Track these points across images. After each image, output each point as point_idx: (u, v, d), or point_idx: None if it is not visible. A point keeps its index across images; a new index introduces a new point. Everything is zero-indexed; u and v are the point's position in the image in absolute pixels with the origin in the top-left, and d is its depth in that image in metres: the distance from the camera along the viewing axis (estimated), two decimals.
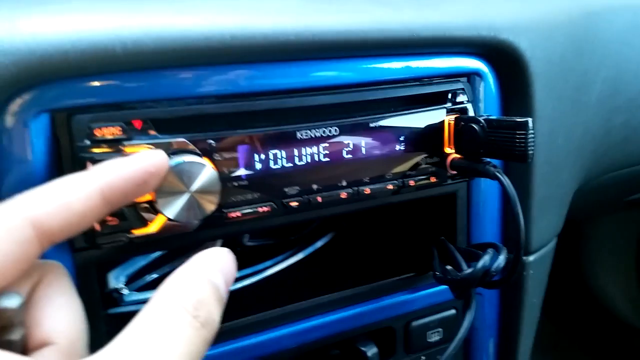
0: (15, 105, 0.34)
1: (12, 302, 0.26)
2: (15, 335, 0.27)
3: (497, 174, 0.43)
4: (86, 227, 0.29)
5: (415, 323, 0.54)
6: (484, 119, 0.44)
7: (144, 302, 0.44)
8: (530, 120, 0.41)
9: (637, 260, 1.39)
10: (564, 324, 1.48)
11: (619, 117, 0.63)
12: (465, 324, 0.46)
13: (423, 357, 0.56)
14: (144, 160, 0.32)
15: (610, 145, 0.65)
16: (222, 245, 0.56)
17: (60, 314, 0.29)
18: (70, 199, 0.28)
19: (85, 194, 0.28)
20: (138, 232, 0.37)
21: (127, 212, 0.36)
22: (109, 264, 0.47)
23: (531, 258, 0.56)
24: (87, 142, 0.35)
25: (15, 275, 0.26)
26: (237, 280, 0.53)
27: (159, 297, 0.27)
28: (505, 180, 0.43)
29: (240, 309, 0.48)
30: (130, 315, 0.28)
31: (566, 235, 1.31)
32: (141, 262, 0.49)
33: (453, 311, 0.56)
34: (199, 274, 0.28)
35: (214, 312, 0.28)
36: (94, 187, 0.29)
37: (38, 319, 0.28)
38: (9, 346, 0.26)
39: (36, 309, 0.28)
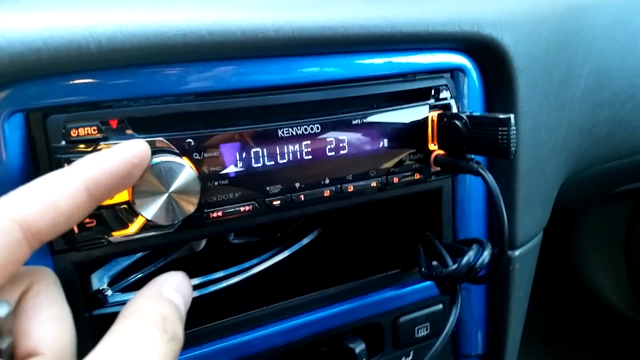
0: None
1: (0, 310, 0.26)
2: (3, 344, 0.26)
3: (480, 170, 0.43)
4: (73, 224, 0.29)
5: (402, 319, 0.54)
6: (466, 116, 0.44)
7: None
8: (512, 116, 0.41)
9: (626, 250, 1.40)
10: (554, 315, 1.49)
11: (603, 112, 0.63)
12: (452, 319, 0.46)
13: (411, 352, 0.56)
14: (126, 152, 0.31)
15: (596, 139, 0.65)
16: (207, 244, 0.56)
17: (49, 324, 0.28)
18: (56, 197, 0.27)
19: (71, 191, 0.28)
20: (117, 233, 0.37)
21: (106, 214, 0.36)
22: (91, 265, 0.46)
23: (517, 252, 0.56)
24: (63, 143, 0.34)
25: (4, 279, 0.26)
26: (224, 278, 0.52)
27: (128, 315, 0.28)
28: (488, 177, 0.43)
29: (227, 307, 0.48)
30: (114, 316, 0.28)
31: (556, 227, 1.32)
32: (124, 262, 0.49)
33: (440, 306, 0.56)
34: (160, 295, 0.31)
35: (178, 329, 0.29)
36: (79, 183, 0.28)
37: (26, 328, 0.27)
38: None
39: (25, 318, 0.28)
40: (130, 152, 0.31)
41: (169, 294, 0.31)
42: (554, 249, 1.41)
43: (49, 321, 0.28)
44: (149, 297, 0.30)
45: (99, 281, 0.47)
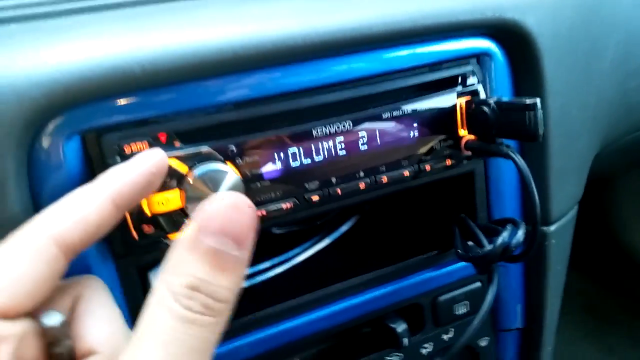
0: (49, 129, 0.36)
1: (53, 320, 0.29)
2: (61, 349, 0.29)
3: (510, 153, 0.45)
4: (103, 234, 0.31)
5: (441, 298, 0.56)
6: (494, 101, 0.45)
7: None
8: (538, 100, 0.42)
9: None
10: (599, 281, 1.48)
11: (633, 80, 0.63)
12: (489, 298, 0.48)
13: (452, 329, 0.58)
14: (144, 163, 0.34)
15: (627, 109, 0.65)
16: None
17: (101, 325, 0.31)
18: (86, 211, 0.30)
19: (98, 204, 0.31)
20: (173, 236, 0.40)
21: (162, 220, 0.39)
22: (150, 266, 0.50)
23: (552, 228, 0.57)
24: (118, 159, 0.37)
25: (49, 291, 0.29)
26: (269, 268, 0.55)
27: (153, 294, 0.26)
28: (518, 159, 0.44)
29: (273, 296, 0.50)
30: None
31: (594, 194, 1.30)
32: None
33: (478, 284, 0.57)
34: (188, 248, 0.26)
35: (216, 293, 0.25)
36: (105, 196, 0.31)
37: (82, 331, 0.31)
38: (58, 359, 0.29)
39: (79, 322, 0.31)
40: (148, 162, 0.34)
41: (207, 240, 0.26)
42: (593, 215, 1.39)
43: (100, 322, 0.31)
44: (175, 257, 0.26)
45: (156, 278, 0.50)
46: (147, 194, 0.35)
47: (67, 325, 0.30)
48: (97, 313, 0.31)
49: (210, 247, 0.25)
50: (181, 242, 0.26)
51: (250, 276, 0.54)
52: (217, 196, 0.28)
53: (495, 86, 0.50)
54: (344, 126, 0.44)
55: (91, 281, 0.33)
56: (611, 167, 0.96)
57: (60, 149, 0.37)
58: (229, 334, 0.47)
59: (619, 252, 1.41)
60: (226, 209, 0.26)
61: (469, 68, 0.48)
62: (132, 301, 0.42)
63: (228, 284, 0.25)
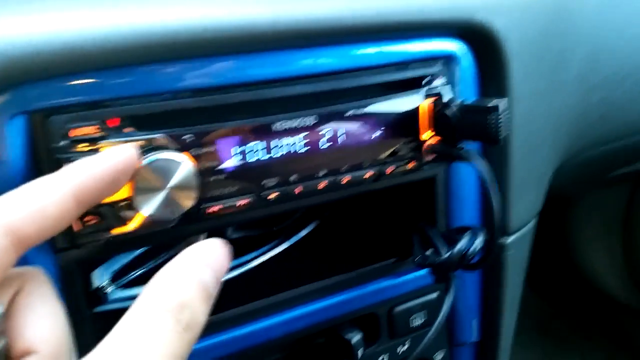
0: None
1: None
2: None
3: (472, 158, 0.44)
4: (60, 229, 0.29)
5: (398, 308, 0.55)
6: (457, 103, 0.44)
7: (129, 299, 0.45)
8: (501, 103, 0.41)
9: (624, 235, 1.41)
10: (552, 301, 1.51)
11: (596, 95, 0.64)
12: (445, 307, 0.47)
13: (407, 341, 0.57)
14: (113, 158, 0.32)
15: (590, 123, 0.66)
16: (207, 238, 0.57)
17: (42, 322, 0.28)
18: (44, 203, 0.28)
19: (59, 197, 0.28)
20: (117, 230, 0.37)
21: (106, 211, 0.36)
22: (93, 262, 0.47)
23: (510, 239, 0.57)
24: (64, 143, 0.35)
25: None
26: None
27: (142, 300, 0.27)
28: (479, 164, 0.44)
29: (225, 301, 0.48)
30: (116, 313, 0.28)
31: (552, 212, 1.32)
32: (125, 258, 0.49)
33: (435, 294, 0.56)
34: (184, 272, 0.28)
35: (199, 313, 0.27)
36: (67, 189, 0.29)
37: (20, 328, 0.28)
38: None
39: (17, 318, 0.28)
40: (117, 158, 0.32)
41: (198, 271, 0.28)
42: (551, 235, 1.42)
43: (42, 319, 0.28)
44: (171, 276, 0.28)
45: (100, 278, 0.48)
46: (112, 192, 0.32)
47: (4, 319, 0.27)
48: (39, 309, 0.29)
49: (205, 280, 0.28)
50: (182, 265, 0.29)
51: None
52: (215, 241, 0.31)
53: (462, 89, 0.50)
54: (306, 122, 0.43)
55: (34, 274, 0.30)
56: (570, 185, 0.97)
57: (2, 130, 0.34)
58: None
59: (575, 274, 1.44)
60: (224, 253, 0.31)
61: (435, 69, 0.48)
62: (71, 299, 0.39)
63: (205, 311, 0.28)
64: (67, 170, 0.30)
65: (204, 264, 0.29)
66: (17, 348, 0.27)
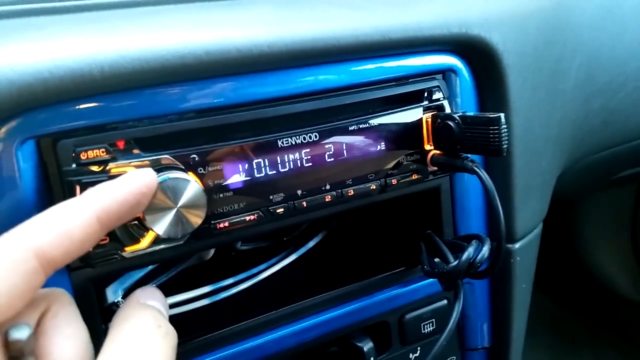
0: (1, 133, 0.35)
1: (21, 333, 0.28)
2: None
3: (475, 168, 0.45)
4: (85, 251, 0.30)
5: (408, 316, 0.55)
6: (459, 116, 0.45)
7: None
8: (502, 115, 0.42)
9: (632, 234, 1.40)
10: (562, 302, 1.50)
11: (596, 101, 0.64)
12: (455, 314, 0.47)
13: (419, 348, 0.58)
14: (136, 182, 0.33)
15: (590, 129, 0.66)
16: (216, 251, 0.58)
17: (68, 342, 0.30)
18: (70, 226, 0.29)
19: (83, 220, 0.29)
20: (130, 249, 0.38)
21: (119, 231, 0.37)
22: (105, 279, 0.48)
23: (517, 245, 0.57)
24: (74, 166, 0.36)
25: (23, 305, 0.28)
26: (233, 285, 0.54)
27: (121, 322, 0.31)
28: (483, 174, 0.44)
29: (237, 313, 0.49)
30: None
31: (559, 214, 1.32)
32: (137, 275, 0.50)
33: (445, 301, 0.57)
34: (140, 303, 0.34)
35: (169, 325, 0.32)
36: (91, 212, 0.30)
37: (47, 348, 0.29)
38: None
39: (45, 338, 0.29)
40: (139, 182, 0.33)
41: (148, 302, 0.34)
42: (559, 236, 1.41)
43: (68, 339, 0.30)
44: (133, 306, 0.33)
45: (114, 294, 0.48)
46: (134, 214, 0.34)
47: (33, 340, 0.29)
48: (65, 330, 0.30)
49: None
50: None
51: (212, 293, 0.52)
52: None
53: (461, 102, 0.51)
54: (310, 138, 0.43)
55: (60, 295, 0.32)
56: (575, 188, 0.97)
57: (12, 154, 0.35)
58: (190, 353, 0.45)
59: (584, 274, 1.44)
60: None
61: (434, 83, 0.49)
62: (86, 317, 0.40)
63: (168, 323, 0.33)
64: (90, 193, 0.31)
65: (150, 298, 0.35)
66: None
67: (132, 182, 0.33)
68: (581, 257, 1.43)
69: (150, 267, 0.51)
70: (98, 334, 0.40)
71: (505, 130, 0.42)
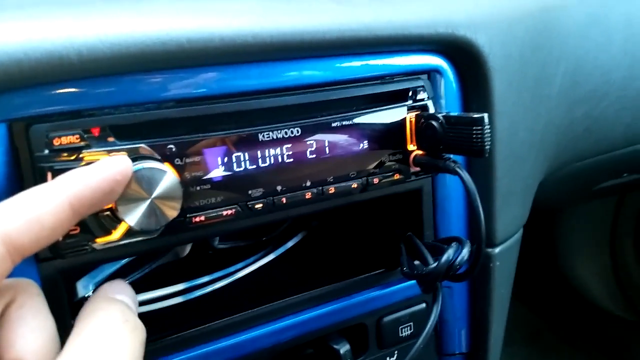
0: None
1: None
2: None
3: (457, 169, 0.44)
4: (55, 239, 0.29)
5: (386, 318, 0.55)
6: (442, 116, 0.45)
7: None
8: (485, 115, 0.42)
9: (611, 247, 1.42)
10: (542, 312, 1.51)
11: (580, 109, 0.65)
12: (432, 317, 0.47)
13: (396, 352, 0.57)
14: (110, 168, 0.32)
15: (574, 137, 0.67)
16: (192, 249, 0.56)
17: (33, 335, 0.29)
18: (40, 212, 0.28)
19: (55, 206, 0.28)
20: (101, 240, 0.37)
21: (90, 221, 0.36)
22: (76, 272, 0.47)
23: (497, 250, 0.57)
24: (46, 152, 0.34)
25: None
26: (209, 283, 0.53)
27: (88, 315, 0.30)
28: (465, 175, 0.44)
29: (213, 311, 0.48)
30: None
31: (540, 225, 1.33)
32: (109, 269, 0.49)
33: (423, 305, 0.56)
34: (109, 297, 0.33)
35: (137, 320, 0.31)
36: (63, 198, 0.29)
37: (11, 339, 0.28)
38: None
39: (8, 329, 0.28)
40: (114, 168, 0.32)
41: (116, 296, 0.33)
42: (539, 247, 1.42)
43: (33, 332, 0.29)
44: (100, 300, 0.32)
45: (84, 288, 0.47)
46: (107, 202, 0.33)
47: None
48: (30, 322, 0.29)
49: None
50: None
51: (187, 290, 0.51)
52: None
53: (445, 103, 0.51)
54: (292, 133, 0.43)
55: (27, 285, 0.30)
56: (557, 197, 0.98)
57: None
58: (161, 351, 0.44)
59: (563, 285, 1.45)
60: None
61: (419, 83, 0.48)
62: (54, 311, 0.39)
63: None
64: (63, 179, 0.30)
65: (118, 292, 0.34)
66: (6, 359, 0.27)
67: (106, 168, 0.32)
68: (560, 267, 1.44)
69: (123, 262, 0.50)
70: (66, 329, 0.38)
71: (489, 130, 0.42)
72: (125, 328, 0.30)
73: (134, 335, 0.30)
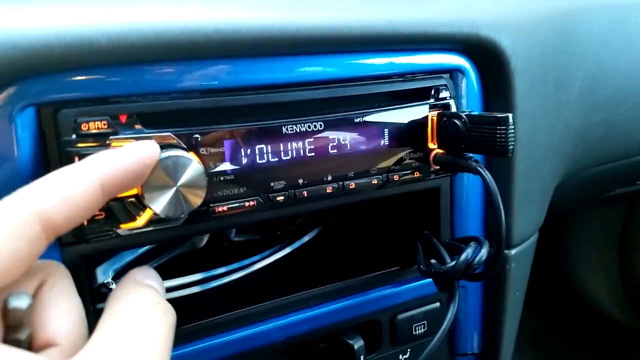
0: (0, 99, 0.34)
1: (22, 302, 0.27)
2: (22, 335, 0.27)
3: (479, 168, 0.44)
4: (87, 218, 0.30)
5: (400, 316, 0.55)
6: (465, 115, 0.45)
7: None
8: (510, 115, 0.42)
9: (619, 255, 1.41)
10: (548, 319, 1.50)
11: (598, 114, 0.64)
12: (449, 315, 0.47)
13: (409, 350, 0.57)
14: (140, 152, 0.32)
15: (591, 141, 0.67)
16: (209, 241, 0.57)
17: (64, 316, 0.29)
18: (74, 191, 0.28)
19: (87, 186, 0.29)
20: (125, 226, 0.37)
21: (115, 207, 0.36)
22: (96, 259, 0.47)
23: (513, 252, 0.57)
24: (74, 137, 0.35)
25: (23, 272, 0.27)
26: (225, 274, 0.53)
27: (119, 298, 0.30)
28: (487, 175, 0.44)
29: (228, 303, 0.48)
30: None
31: (550, 231, 1.33)
32: (128, 257, 0.49)
33: (437, 304, 0.56)
34: (138, 281, 0.33)
35: (167, 303, 0.31)
36: (95, 178, 0.29)
37: (43, 320, 0.28)
38: (17, 345, 0.27)
39: (41, 310, 0.29)
40: (143, 152, 0.32)
41: (146, 281, 0.33)
42: (548, 254, 1.41)
43: (64, 313, 0.29)
44: (130, 284, 0.32)
45: (104, 275, 0.47)
46: (135, 184, 0.33)
47: (30, 310, 0.28)
48: (61, 303, 0.29)
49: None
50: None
51: (203, 281, 0.52)
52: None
53: (466, 103, 0.51)
54: (315, 127, 0.43)
55: (57, 268, 0.31)
56: (569, 203, 0.98)
57: (11, 121, 0.34)
58: (178, 340, 0.44)
59: (571, 292, 1.44)
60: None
61: (442, 82, 0.48)
62: None
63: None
64: (94, 159, 0.30)
65: (146, 277, 0.34)
66: (39, 339, 0.28)
67: (136, 151, 0.32)
68: (568, 275, 1.43)
69: (142, 250, 0.50)
70: (88, 314, 0.39)
71: (513, 130, 0.41)
72: (157, 310, 0.30)
73: (165, 318, 0.30)
